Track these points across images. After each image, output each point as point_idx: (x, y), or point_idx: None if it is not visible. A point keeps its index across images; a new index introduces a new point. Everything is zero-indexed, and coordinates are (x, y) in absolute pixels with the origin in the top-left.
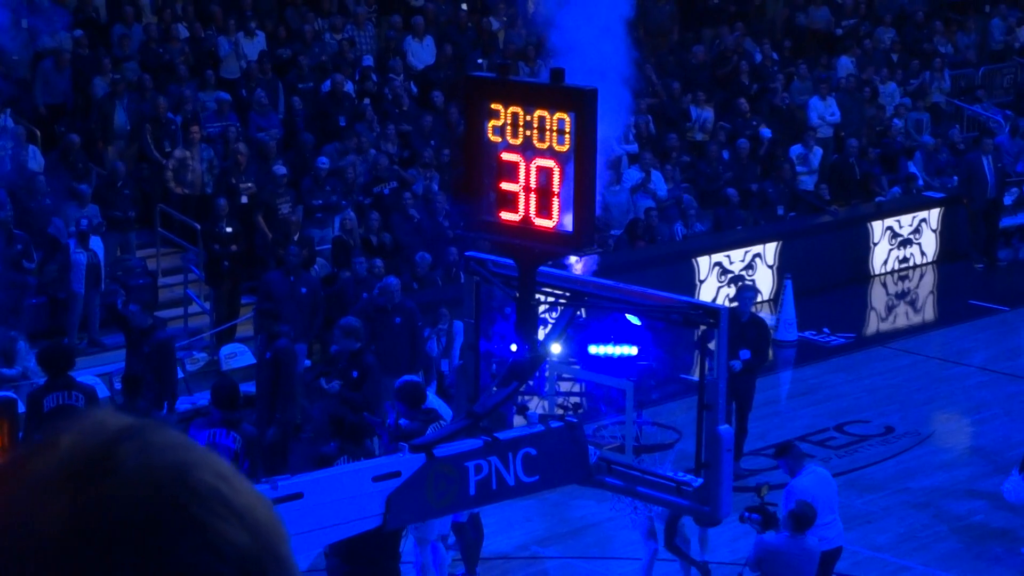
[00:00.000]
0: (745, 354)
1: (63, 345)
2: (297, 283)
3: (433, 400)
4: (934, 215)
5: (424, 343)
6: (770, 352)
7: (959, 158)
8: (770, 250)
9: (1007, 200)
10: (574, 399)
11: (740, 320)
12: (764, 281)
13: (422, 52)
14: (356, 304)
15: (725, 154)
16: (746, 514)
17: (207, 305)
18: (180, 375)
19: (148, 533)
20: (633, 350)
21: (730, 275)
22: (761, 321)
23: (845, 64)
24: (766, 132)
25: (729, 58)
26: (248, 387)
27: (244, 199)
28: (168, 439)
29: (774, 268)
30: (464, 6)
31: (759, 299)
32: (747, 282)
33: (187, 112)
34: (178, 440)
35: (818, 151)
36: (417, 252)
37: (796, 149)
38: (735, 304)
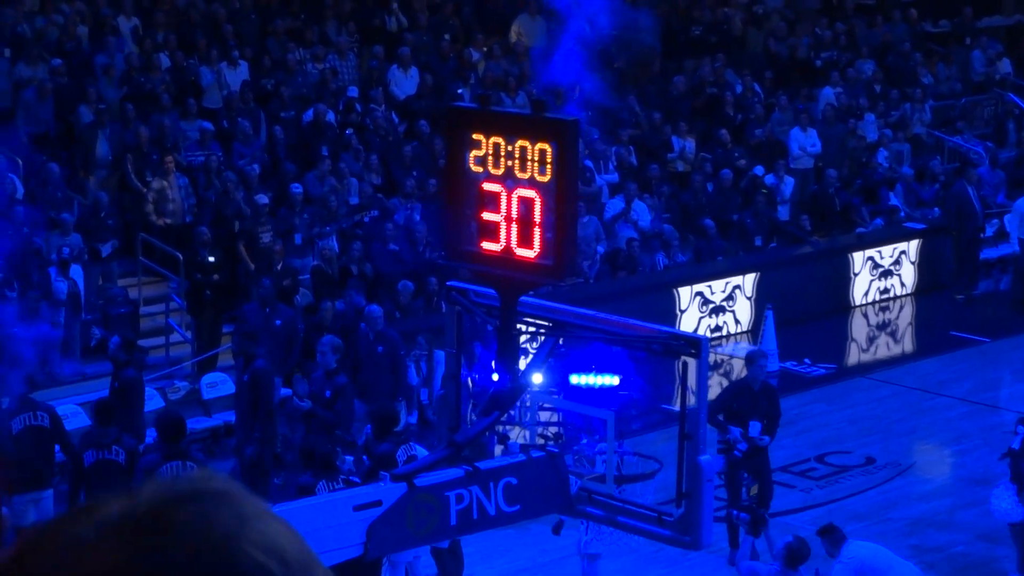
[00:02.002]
0: (756, 426)
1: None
2: (272, 315)
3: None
4: (913, 246)
5: (406, 373)
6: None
7: (943, 189)
8: (749, 281)
9: (988, 231)
10: (553, 429)
11: (753, 388)
12: (743, 312)
13: (404, 82)
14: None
15: (709, 185)
16: (735, 513)
17: (188, 334)
18: (162, 404)
19: None
20: (614, 380)
21: (711, 306)
22: (773, 389)
23: (827, 95)
24: (759, 170)
25: (705, 88)
26: (228, 416)
27: (237, 226)
28: (240, 510)
29: (752, 299)
30: (447, 36)
31: (739, 330)
32: (758, 347)
33: (167, 142)
34: (251, 512)
35: (790, 181)
36: (399, 281)
37: (769, 179)
38: (747, 371)
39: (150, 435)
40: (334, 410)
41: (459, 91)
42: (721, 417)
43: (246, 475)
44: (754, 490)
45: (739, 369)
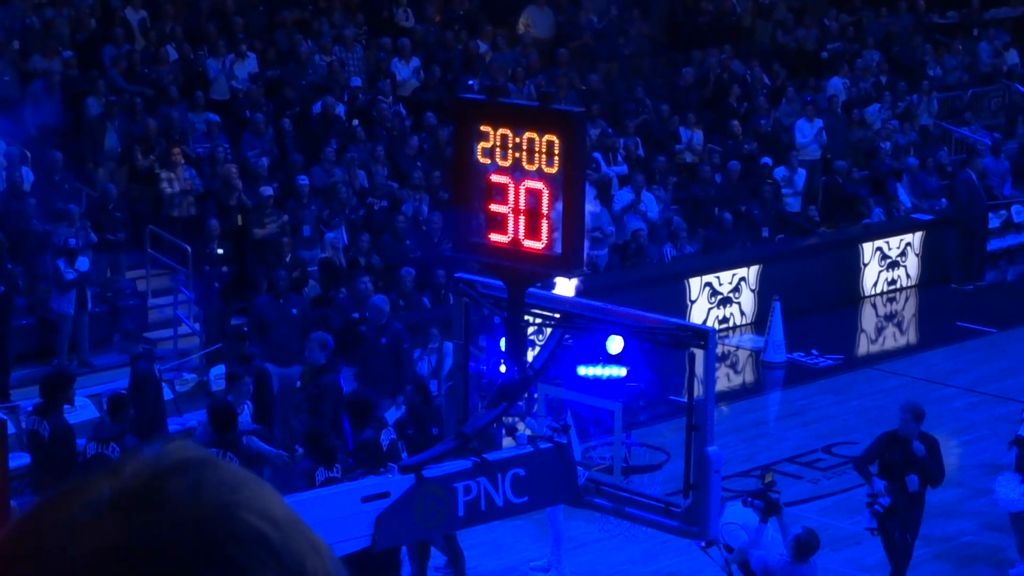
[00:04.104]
0: (914, 480)
1: None
2: (287, 305)
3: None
4: (918, 238)
5: (411, 364)
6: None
7: (949, 179)
8: (753, 273)
9: (995, 222)
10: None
11: (907, 444)
12: (747, 304)
13: (407, 73)
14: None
15: (717, 176)
16: (748, 499)
17: (197, 326)
18: (170, 396)
19: (183, 572)
20: (622, 371)
21: (719, 297)
22: (930, 440)
23: (836, 85)
24: (767, 160)
25: (712, 79)
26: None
27: (239, 220)
28: (225, 477)
29: (756, 291)
30: (455, 27)
31: (744, 321)
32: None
33: (175, 134)
34: (235, 479)
35: (802, 172)
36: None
37: (780, 171)
38: (900, 425)
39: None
40: (318, 409)
41: (470, 82)
42: (875, 468)
43: (250, 466)
44: (768, 477)
45: (744, 360)
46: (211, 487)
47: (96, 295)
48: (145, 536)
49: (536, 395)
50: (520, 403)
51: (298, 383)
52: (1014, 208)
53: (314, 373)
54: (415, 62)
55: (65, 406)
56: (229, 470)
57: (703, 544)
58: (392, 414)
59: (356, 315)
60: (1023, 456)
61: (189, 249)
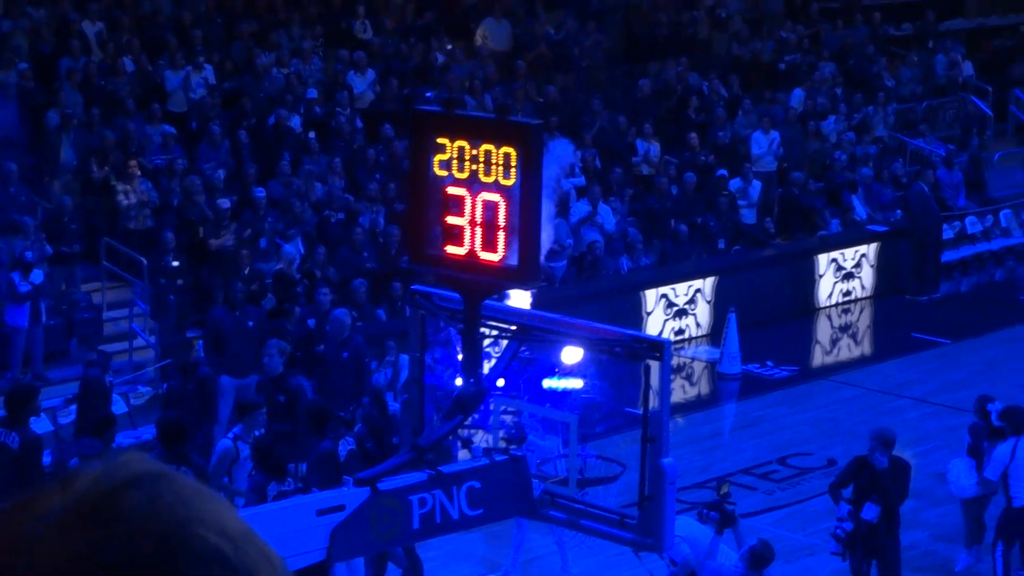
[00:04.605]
0: (872, 510)
1: None
2: (243, 317)
3: None
4: (872, 249)
5: (371, 378)
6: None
7: (904, 191)
8: (708, 285)
9: (949, 234)
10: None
11: (875, 469)
12: (703, 315)
13: (364, 86)
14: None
15: (673, 188)
16: (704, 512)
17: (152, 339)
18: (125, 408)
19: None
20: (578, 383)
21: (675, 308)
22: (901, 465)
23: (799, 96)
24: (723, 172)
25: (669, 91)
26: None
27: (200, 233)
28: (181, 491)
29: (711, 303)
30: (411, 39)
31: (700, 333)
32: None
33: (131, 146)
34: (191, 493)
35: (757, 184)
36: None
37: (735, 183)
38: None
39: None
40: (292, 416)
41: (427, 94)
42: (847, 492)
43: (204, 479)
44: (723, 489)
45: (700, 371)
46: (167, 502)
47: (51, 308)
48: (100, 552)
49: (492, 407)
50: (475, 415)
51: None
52: (968, 219)
53: (277, 379)
54: (371, 74)
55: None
56: (185, 484)
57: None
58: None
59: (312, 323)
60: (976, 443)
61: (145, 262)
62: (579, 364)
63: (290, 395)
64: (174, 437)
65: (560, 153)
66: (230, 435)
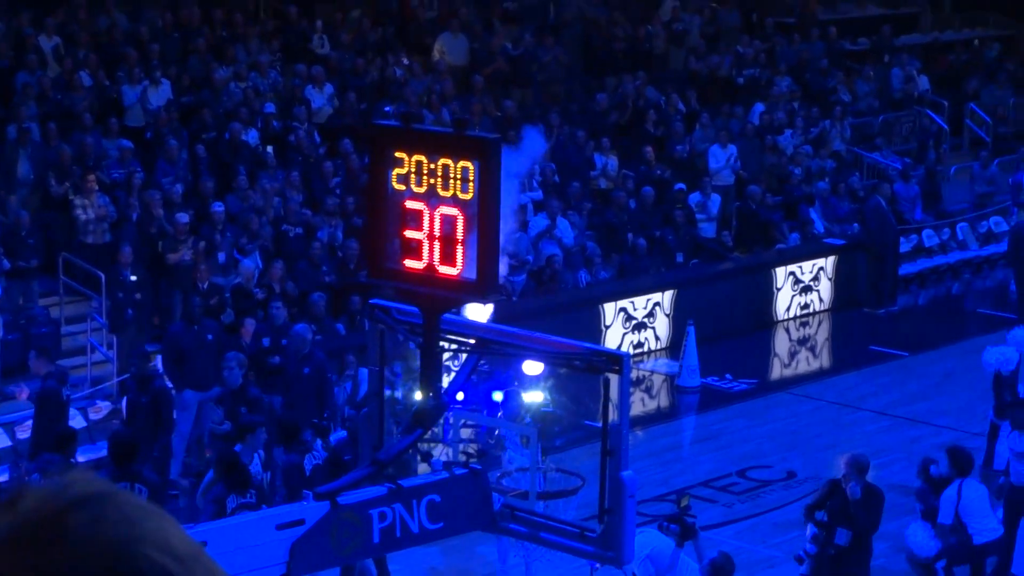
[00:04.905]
0: (843, 535)
1: None
2: (202, 331)
3: None
4: (830, 262)
5: (333, 392)
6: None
7: (861, 204)
8: (667, 298)
9: (906, 247)
10: (475, 445)
11: (846, 493)
12: (662, 328)
13: (322, 100)
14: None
15: (631, 202)
16: (665, 524)
17: (111, 353)
18: (84, 424)
19: None
20: (537, 396)
21: (634, 322)
22: (874, 492)
23: (759, 110)
24: (681, 186)
25: (629, 105)
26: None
27: (159, 247)
28: (125, 511)
29: (670, 316)
30: (368, 55)
31: (659, 346)
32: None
33: (88, 160)
34: (137, 513)
35: (716, 198)
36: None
37: (695, 197)
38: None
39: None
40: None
41: (386, 109)
42: (821, 515)
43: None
44: (683, 502)
45: (659, 384)
46: (112, 522)
47: (8, 322)
48: (45, 573)
49: (451, 421)
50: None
51: (217, 413)
52: (925, 233)
53: (237, 392)
54: (329, 89)
55: None
56: (131, 503)
57: (596, 566)
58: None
59: (267, 341)
60: (926, 506)
61: (102, 276)
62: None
63: (251, 407)
64: (126, 454)
65: (532, 144)
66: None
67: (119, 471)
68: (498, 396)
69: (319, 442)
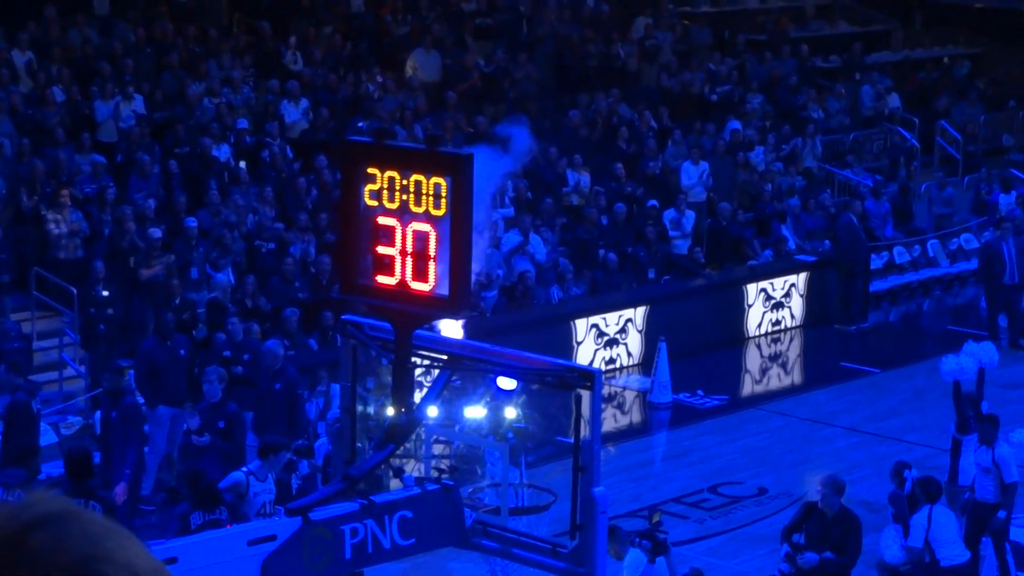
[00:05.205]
0: (810, 559)
1: None
2: (175, 346)
3: None
4: (802, 279)
5: (303, 410)
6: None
7: (831, 221)
8: (640, 314)
9: (877, 264)
10: (447, 461)
11: (825, 517)
12: (634, 345)
13: (297, 115)
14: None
15: (603, 218)
16: (636, 539)
17: (82, 369)
18: (55, 439)
19: None
20: (510, 412)
21: (606, 338)
22: (850, 517)
23: (735, 126)
24: (654, 203)
25: (599, 122)
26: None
27: (131, 263)
28: (88, 530)
29: (643, 332)
30: (340, 71)
31: (631, 362)
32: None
33: (61, 176)
34: (98, 532)
35: (690, 215)
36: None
37: (669, 213)
38: (820, 500)
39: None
40: (231, 440)
41: (359, 124)
42: (799, 537)
43: (112, 513)
44: (655, 517)
45: (631, 400)
46: (73, 541)
47: None
48: None
49: (423, 437)
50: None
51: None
52: (896, 249)
53: (216, 405)
54: (304, 104)
55: None
56: (93, 522)
57: None
58: (324, 447)
59: (228, 353)
60: (898, 510)
61: (75, 291)
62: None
63: (229, 421)
64: (80, 470)
65: (521, 143)
66: (244, 468)
67: (75, 487)
68: (480, 412)
69: (304, 462)
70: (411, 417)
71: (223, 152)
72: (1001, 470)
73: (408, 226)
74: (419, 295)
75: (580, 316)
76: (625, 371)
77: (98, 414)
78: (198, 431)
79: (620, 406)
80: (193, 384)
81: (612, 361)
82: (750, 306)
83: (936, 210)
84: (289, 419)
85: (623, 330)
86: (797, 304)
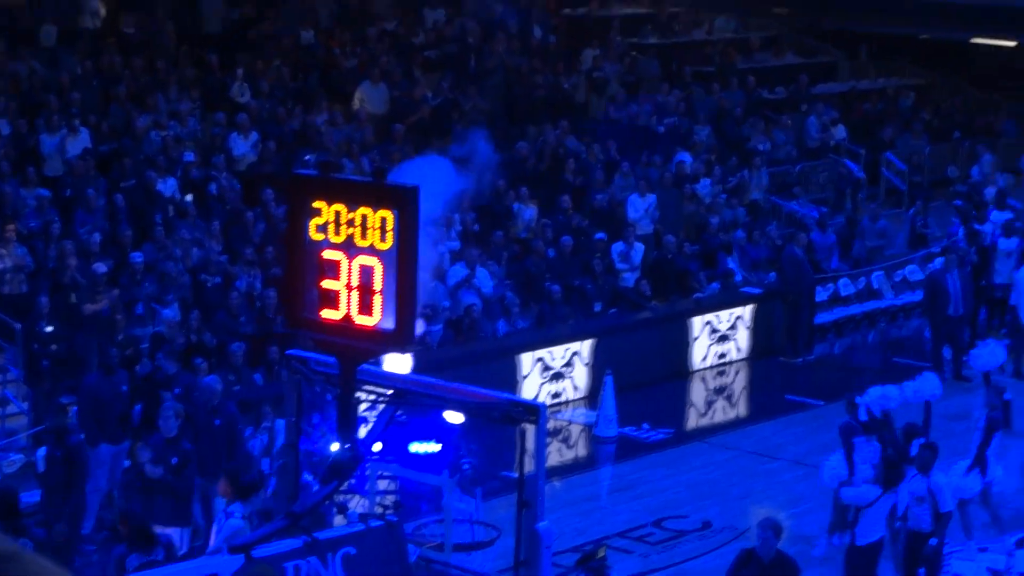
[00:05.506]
0: None
1: None
2: (118, 382)
3: None
4: (748, 311)
5: (244, 446)
6: None
7: (778, 253)
8: (586, 347)
9: (822, 296)
10: (391, 497)
11: (763, 561)
12: (581, 378)
13: (246, 148)
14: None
15: (550, 251)
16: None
17: (25, 406)
18: None
19: None
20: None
21: (551, 372)
22: (788, 562)
23: (685, 158)
24: (601, 235)
25: (546, 153)
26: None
27: (73, 298)
28: (29, 571)
29: (589, 365)
30: (287, 104)
31: (577, 396)
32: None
33: (6, 210)
34: (35, 570)
35: (639, 247)
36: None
37: (618, 246)
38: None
39: None
40: (183, 477)
41: (307, 157)
42: None
43: (52, 552)
44: (600, 552)
45: (576, 434)
46: None
47: None
48: None
49: (368, 472)
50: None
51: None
52: (841, 282)
53: (171, 441)
54: (254, 136)
55: None
56: (34, 563)
57: None
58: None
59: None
60: (846, 441)
61: (18, 327)
62: (453, 428)
63: (183, 458)
64: (7, 509)
65: (480, 154)
66: (238, 515)
67: (4, 525)
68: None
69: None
70: (355, 452)
71: (169, 186)
72: (936, 498)
73: (354, 260)
74: (364, 329)
75: (526, 350)
76: (571, 405)
77: (41, 451)
78: (152, 460)
79: (566, 440)
80: (130, 421)
81: (558, 395)
82: (696, 339)
83: (869, 243)
84: (228, 455)
85: (569, 363)
86: (743, 336)
